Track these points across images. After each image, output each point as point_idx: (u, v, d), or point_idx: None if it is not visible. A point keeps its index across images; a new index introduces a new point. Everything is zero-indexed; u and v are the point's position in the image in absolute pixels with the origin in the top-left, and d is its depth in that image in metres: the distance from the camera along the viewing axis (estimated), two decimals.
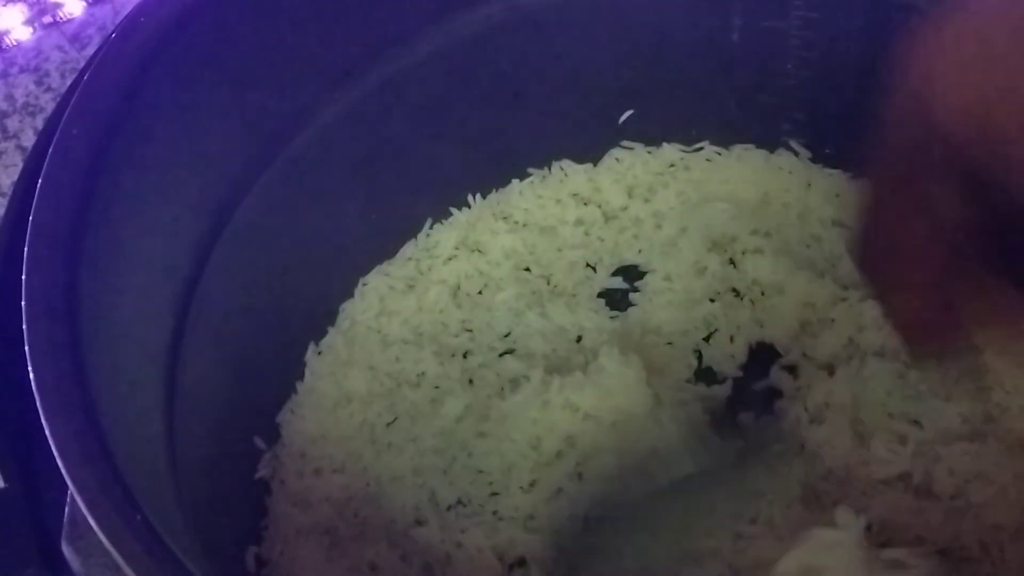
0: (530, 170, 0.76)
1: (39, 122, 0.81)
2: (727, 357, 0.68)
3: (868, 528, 0.60)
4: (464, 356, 0.70)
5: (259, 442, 0.66)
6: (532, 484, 0.64)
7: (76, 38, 0.84)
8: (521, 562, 0.62)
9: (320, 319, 0.71)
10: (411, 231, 0.74)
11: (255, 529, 0.63)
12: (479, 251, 0.74)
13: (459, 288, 0.72)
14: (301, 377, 0.69)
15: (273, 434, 0.67)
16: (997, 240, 0.37)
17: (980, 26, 0.33)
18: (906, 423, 0.62)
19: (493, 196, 0.76)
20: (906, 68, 0.35)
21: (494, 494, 0.64)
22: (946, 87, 0.34)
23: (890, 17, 0.65)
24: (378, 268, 0.73)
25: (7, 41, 0.86)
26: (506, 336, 0.71)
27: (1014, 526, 0.59)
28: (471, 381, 0.68)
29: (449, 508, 0.64)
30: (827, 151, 0.74)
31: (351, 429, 0.66)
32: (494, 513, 0.63)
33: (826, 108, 0.72)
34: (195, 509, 0.51)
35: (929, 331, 0.41)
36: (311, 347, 0.70)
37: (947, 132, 0.33)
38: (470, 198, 0.75)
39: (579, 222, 0.74)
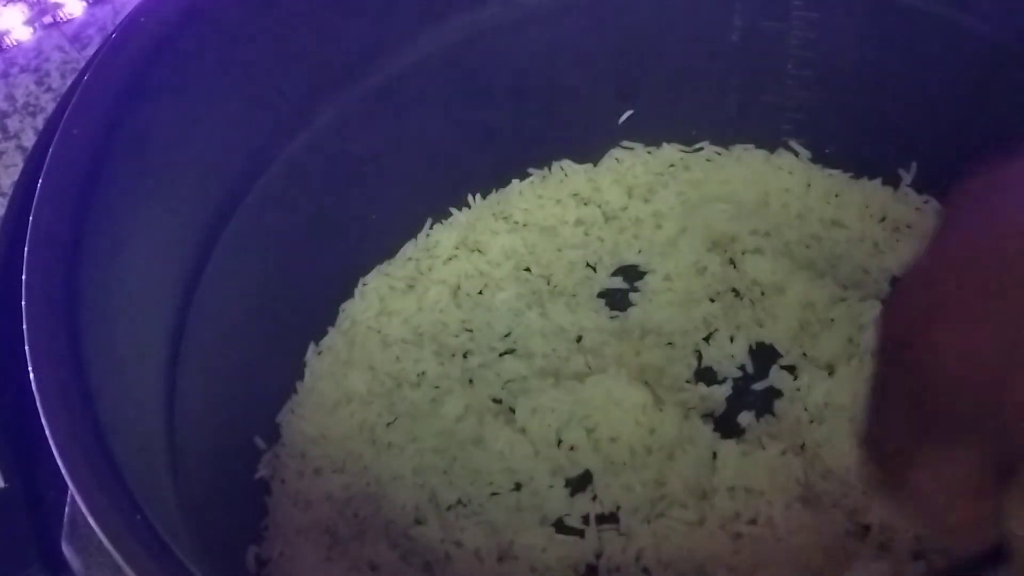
0: (530, 170, 0.76)
1: (39, 122, 0.81)
2: (727, 357, 0.68)
3: (867, 528, 0.60)
4: (464, 356, 0.70)
5: (259, 442, 0.66)
6: (532, 483, 0.64)
7: (76, 38, 0.84)
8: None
9: (320, 319, 0.71)
10: (411, 231, 0.74)
11: (255, 529, 0.63)
12: (479, 251, 0.74)
13: (459, 288, 0.72)
14: (301, 377, 0.69)
15: (273, 434, 0.67)
16: None
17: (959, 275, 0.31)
18: None
19: (493, 196, 0.76)
20: (893, 314, 0.33)
21: (494, 494, 0.64)
22: (935, 338, 0.31)
23: (890, 17, 0.65)
24: (378, 268, 0.73)
25: (7, 41, 0.86)
26: (506, 336, 0.71)
27: None
28: (471, 381, 0.69)
29: (449, 508, 0.64)
30: (827, 151, 0.74)
31: (351, 429, 0.66)
32: (493, 513, 0.63)
33: (826, 108, 0.72)
34: (195, 509, 0.51)
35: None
36: (311, 347, 0.70)
37: (942, 383, 0.31)
38: (470, 198, 0.75)
39: (579, 222, 0.74)
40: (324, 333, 0.71)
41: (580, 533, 0.62)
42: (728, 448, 0.63)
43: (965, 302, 0.30)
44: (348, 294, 0.72)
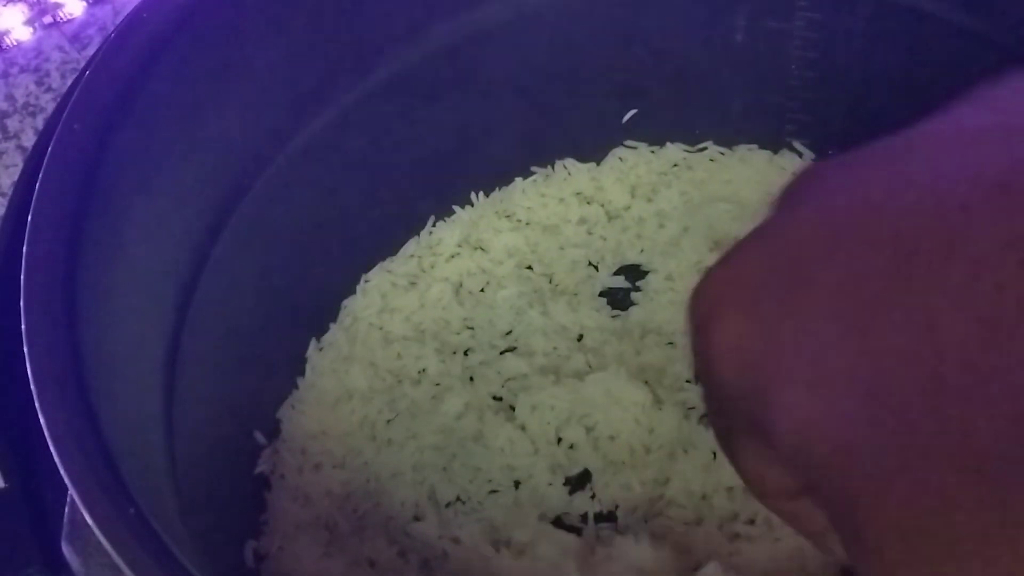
0: (533, 168, 0.76)
1: (39, 122, 0.81)
2: None
3: None
4: (465, 353, 0.70)
5: (259, 437, 0.66)
6: (531, 481, 0.64)
7: (76, 38, 0.84)
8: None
9: (322, 315, 0.71)
10: (413, 228, 0.74)
11: (254, 524, 0.63)
12: (481, 249, 0.74)
13: (461, 286, 0.72)
14: (302, 373, 0.69)
15: (273, 429, 0.67)
16: None
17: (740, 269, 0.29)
18: None
19: (496, 194, 0.76)
20: (695, 296, 0.30)
21: (493, 491, 0.64)
22: (714, 329, 0.28)
23: (894, 18, 0.65)
24: (380, 265, 0.73)
25: (7, 41, 0.86)
26: (507, 334, 0.71)
27: None
28: (472, 379, 0.69)
29: (448, 505, 0.64)
30: (830, 152, 0.74)
31: (351, 425, 0.67)
32: (492, 510, 0.63)
33: (830, 109, 0.72)
34: (194, 503, 0.51)
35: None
36: (312, 343, 0.70)
37: (717, 378, 0.28)
38: (473, 196, 0.75)
39: (582, 221, 0.74)
40: (325, 329, 0.71)
41: (578, 532, 0.63)
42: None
43: (741, 298, 0.28)
44: (350, 291, 0.72)
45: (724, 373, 0.28)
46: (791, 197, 0.29)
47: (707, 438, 0.64)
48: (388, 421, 0.67)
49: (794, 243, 0.27)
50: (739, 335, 0.27)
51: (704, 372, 0.29)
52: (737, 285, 0.28)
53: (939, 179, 0.25)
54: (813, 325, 0.25)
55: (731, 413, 0.29)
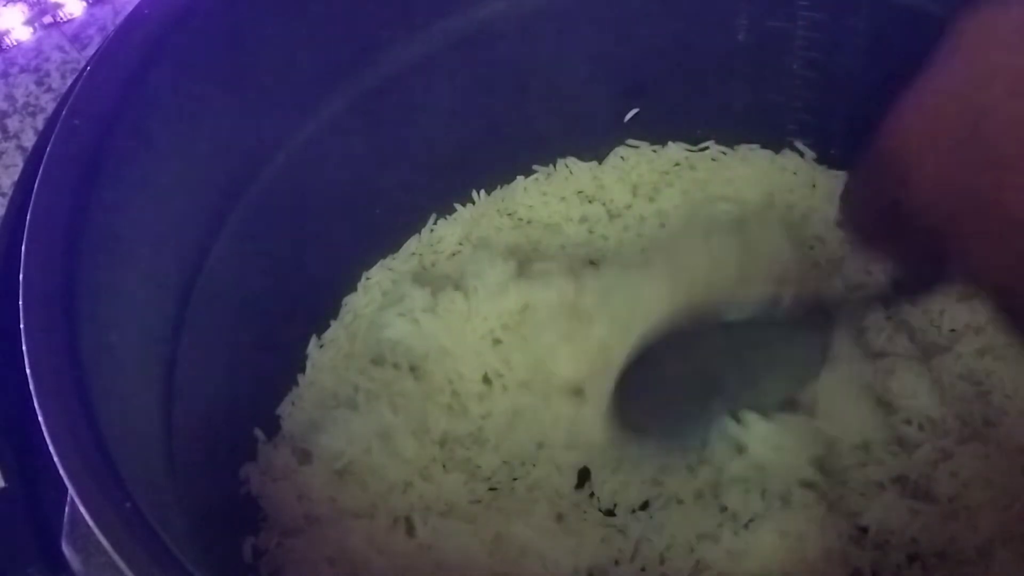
0: (535, 167, 0.76)
1: (39, 122, 0.81)
2: None
3: (865, 530, 0.60)
4: None
5: (259, 434, 0.66)
6: (530, 478, 0.64)
7: (76, 38, 0.84)
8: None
9: (322, 312, 0.71)
10: (415, 226, 0.74)
11: (252, 520, 0.63)
12: (483, 247, 0.74)
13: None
14: (303, 370, 0.69)
15: (273, 425, 0.67)
16: None
17: (957, 104, 0.35)
18: (905, 425, 0.62)
19: (498, 192, 0.76)
20: (887, 128, 0.37)
21: (492, 489, 0.64)
22: (917, 153, 0.36)
23: (895, 18, 0.65)
24: (382, 262, 0.73)
25: (7, 41, 0.86)
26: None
27: (1008, 530, 0.59)
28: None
29: (447, 502, 0.64)
30: (832, 152, 0.74)
31: (352, 422, 0.67)
32: (493, 507, 0.63)
33: (831, 109, 0.72)
34: (193, 499, 0.51)
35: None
36: (313, 340, 0.70)
37: (911, 194, 0.36)
38: (475, 194, 0.75)
39: (583, 219, 0.74)
40: (327, 326, 0.71)
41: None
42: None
43: (945, 141, 0.35)
44: (351, 288, 0.72)
45: (921, 195, 0.36)
46: (977, 48, 0.36)
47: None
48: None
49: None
50: (952, 165, 0.35)
51: (893, 181, 0.37)
52: (939, 126, 0.36)
53: None
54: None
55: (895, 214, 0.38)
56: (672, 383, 0.58)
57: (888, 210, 0.38)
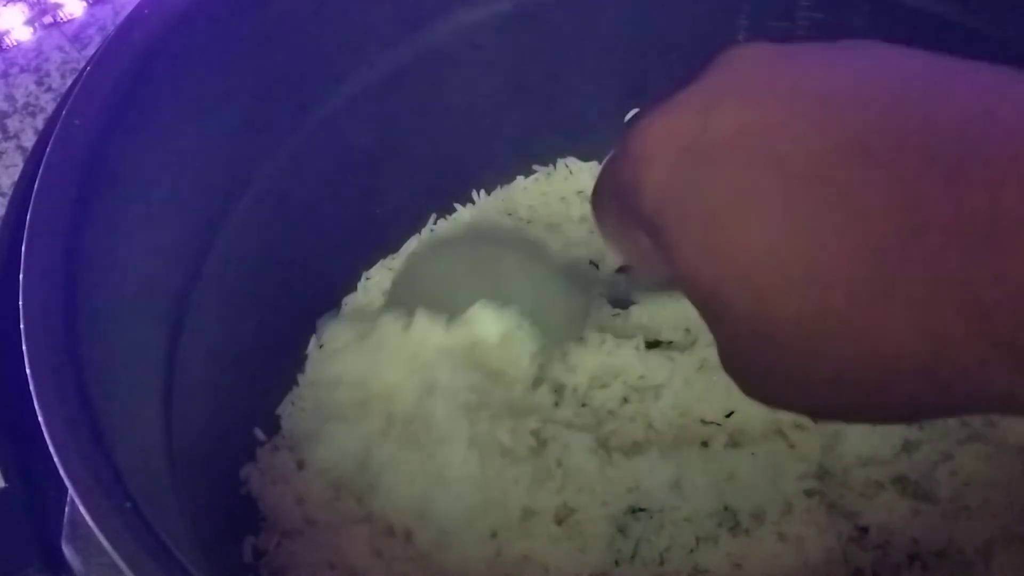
0: (535, 167, 0.76)
1: (39, 122, 0.81)
2: None
3: (865, 530, 0.60)
4: None
5: (259, 433, 0.66)
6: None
7: (77, 38, 0.84)
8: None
9: (323, 312, 0.71)
10: (415, 226, 0.74)
11: (253, 520, 0.63)
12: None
13: None
14: (302, 370, 0.69)
15: (273, 425, 0.67)
16: None
17: (690, 123, 0.36)
18: (905, 425, 0.62)
19: (498, 192, 0.76)
20: (634, 128, 0.38)
21: None
22: (649, 158, 0.37)
23: (895, 18, 0.65)
24: (382, 262, 0.73)
25: (8, 41, 0.86)
26: None
27: (1008, 530, 0.59)
28: None
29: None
30: None
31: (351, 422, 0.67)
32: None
33: None
34: (193, 499, 0.51)
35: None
36: (313, 340, 0.70)
37: (639, 200, 0.38)
38: (474, 194, 0.75)
39: (583, 219, 0.74)
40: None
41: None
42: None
43: (673, 151, 0.36)
44: (351, 288, 0.72)
45: (645, 198, 0.38)
46: (729, 72, 0.37)
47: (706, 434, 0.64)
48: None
49: (726, 124, 0.35)
50: (663, 183, 0.37)
51: (628, 186, 0.38)
52: (674, 140, 0.36)
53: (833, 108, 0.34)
54: (718, 200, 0.35)
55: (628, 210, 0.39)
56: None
57: (622, 207, 0.40)
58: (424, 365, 0.62)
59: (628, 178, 0.38)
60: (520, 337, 0.63)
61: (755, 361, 0.36)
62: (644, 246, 0.40)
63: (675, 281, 0.38)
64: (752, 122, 0.34)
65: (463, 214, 0.74)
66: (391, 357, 0.63)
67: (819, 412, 0.42)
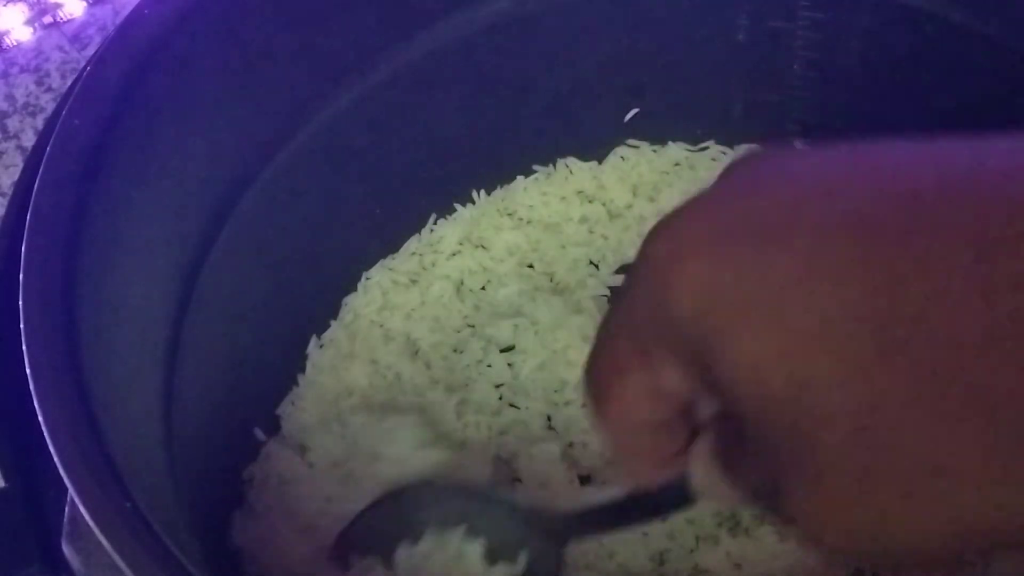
0: (535, 167, 0.76)
1: (39, 122, 0.81)
2: None
3: None
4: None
5: (259, 434, 0.66)
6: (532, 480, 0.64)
7: (77, 38, 0.84)
8: None
9: (322, 312, 0.71)
10: (415, 226, 0.74)
11: None
12: (483, 247, 0.74)
13: (462, 283, 0.72)
14: (303, 370, 0.69)
15: (273, 425, 0.67)
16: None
17: (719, 217, 0.32)
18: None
19: (498, 192, 0.76)
20: (655, 238, 0.34)
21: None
22: (679, 270, 0.32)
23: (896, 18, 0.65)
24: (381, 262, 0.73)
25: (7, 41, 0.86)
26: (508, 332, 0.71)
27: None
28: (472, 377, 0.69)
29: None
30: None
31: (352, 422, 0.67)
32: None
33: (831, 109, 0.72)
34: (193, 499, 0.51)
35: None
36: (313, 340, 0.70)
37: (673, 312, 0.31)
38: (475, 194, 0.75)
39: (583, 219, 0.74)
40: (326, 326, 0.71)
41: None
42: None
43: (711, 243, 0.31)
44: (351, 288, 0.72)
45: (682, 305, 0.31)
46: (745, 172, 0.34)
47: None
48: None
49: (762, 207, 0.31)
50: (706, 275, 0.30)
51: (655, 303, 0.32)
52: (708, 232, 0.32)
53: (889, 174, 0.29)
54: (782, 276, 0.29)
55: (660, 338, 0.33)
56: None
57: (635, 348, 0.34)
58: None
59: (651, 295, 0.32)
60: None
61: (854, 496, 0.29)
62: (673, 385, 0.33)
63: (729, 405, 0.31)
64: (805, 193, 0.30)
65: (463, 214, 0.74)
66: None
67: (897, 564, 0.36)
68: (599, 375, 0.36)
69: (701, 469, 0.37)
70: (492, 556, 0.55)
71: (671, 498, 0.40)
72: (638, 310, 0.34)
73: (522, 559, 0.53)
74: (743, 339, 0.29)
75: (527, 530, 0.54)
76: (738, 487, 0.35)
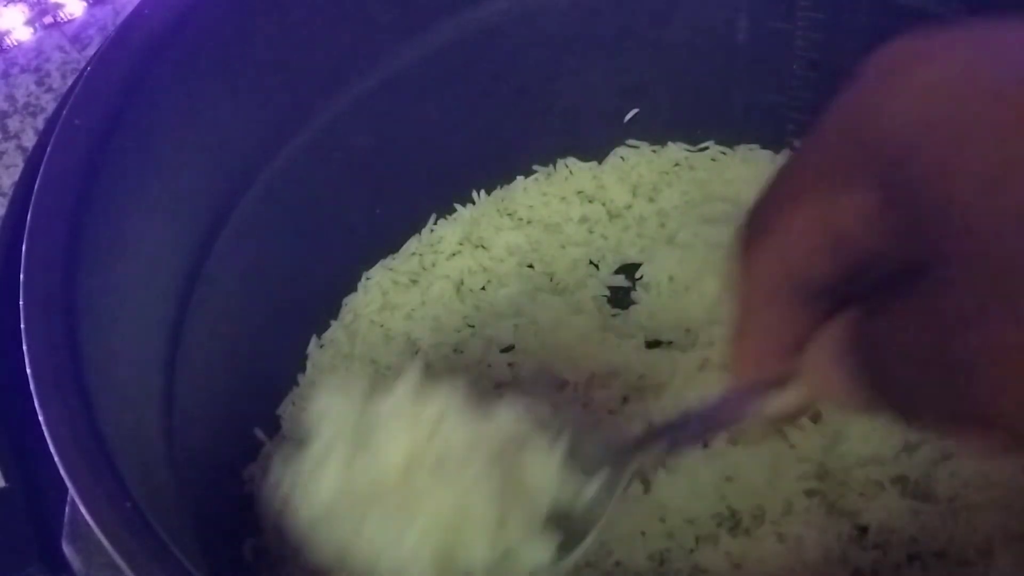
0: (535, 167, 0.76)
1: (40, 122, 0.82)
2: None
3: (864, 530, 0.60)
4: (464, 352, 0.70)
5: (259, 434, 0.66)
6: None
7: (77, 38, 0.85)
8: None
9: (323, 312, 0.71)
10: (415, 226, 0.74)
11: (253, 520, 0.63)
12: (483, 247, 0.74)
13: (462, 283, 0.73)
14: (303, 370, 0.69)
15: (273, 426, 0.67)
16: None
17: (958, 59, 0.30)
18: (905, 425, 0.62)
19: (498, 192, 0.76)
20: (868, 69, 0.31)
21: None
22: (904, 100, 0.29)
23: (896, 18, 0.65)
24: (382, 262, 0.73)
25: (8, 41, 0.87)
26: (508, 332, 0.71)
27: (1008, 530, 0.59)
28: (471, 376, 0.69)
29: None
30: None
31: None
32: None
33: None
34: (194, 499, 0.52)
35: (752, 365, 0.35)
36: (313, 340, 0.70)
37: (886, 144, 0.29)
38: (475, 194, 0.75)
39: (583, 219, 0.74)
40: (327, 326, 0.71)
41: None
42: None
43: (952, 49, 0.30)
44: (351, 288, 0.72)
45: (908, 110, 0.29)
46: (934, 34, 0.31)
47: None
48: None
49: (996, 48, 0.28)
50: (942, 76, 0.28)
51: (868, 114, 0.30)
52: (943, 45, 0.30)
53: None
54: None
55: (855, 162, 0.30)
56: None
57: (822, 172, 0.31)
58: None
59: (863, 107, 0.30)
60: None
61: None
62: (848, 223, 0.30)
63: (930, 235, 0.28)
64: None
65: (463, 214, 0.75)
66: None
67: None
68: (767, 204, 0.32)
69: (825, 360, 0.32)
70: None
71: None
72: (835, 132, 0.31)
73: (602, 475, 0.48)
74: (977, 150, 0.26)
75: (603, 448, 0.49)
76: (864, 385, 0.30)
